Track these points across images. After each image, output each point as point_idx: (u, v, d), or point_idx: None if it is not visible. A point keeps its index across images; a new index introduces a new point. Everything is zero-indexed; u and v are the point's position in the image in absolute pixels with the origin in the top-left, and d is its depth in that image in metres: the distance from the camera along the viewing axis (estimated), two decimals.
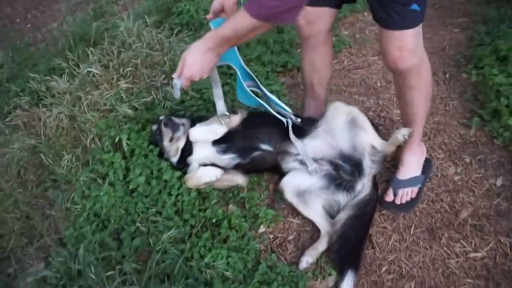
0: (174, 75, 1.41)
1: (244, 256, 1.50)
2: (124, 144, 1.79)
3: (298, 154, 1.65)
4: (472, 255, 1.49)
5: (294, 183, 1.62)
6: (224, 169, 1.70)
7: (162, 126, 1.71)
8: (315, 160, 1.64)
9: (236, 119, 1.72)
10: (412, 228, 1.60)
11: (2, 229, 1.70)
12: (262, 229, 1.65)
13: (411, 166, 1.71)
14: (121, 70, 2.12)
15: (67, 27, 3.28)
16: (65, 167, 1.84)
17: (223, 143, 1.69)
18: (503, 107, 1.89)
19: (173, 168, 1.73)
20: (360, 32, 2.87)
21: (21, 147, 1.92)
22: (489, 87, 2.04)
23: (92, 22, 2.91)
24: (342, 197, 1.61)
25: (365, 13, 3.06)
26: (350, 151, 1.63)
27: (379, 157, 1.64)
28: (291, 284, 1.42)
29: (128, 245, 1.51)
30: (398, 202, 1.66)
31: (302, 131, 1.68)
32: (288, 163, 1.67)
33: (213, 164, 1.70)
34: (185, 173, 1.72)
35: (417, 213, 1.66)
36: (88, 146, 1.89)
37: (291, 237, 1.64)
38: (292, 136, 1.64)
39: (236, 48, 1.56)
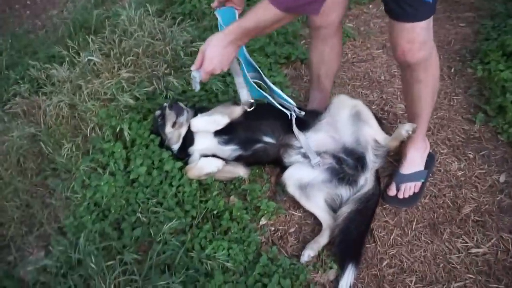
0: (193, 67, 1.40)
1: (245, 248, 1.50)
2: (125, 133, 1.77)
3: (301, 147, 1.64)
4: (473, 250, 1.49)
5: (296, 176, 1.61)
6: (226, 160, 1.68)
7: (167, 109, 1.70)
8: (318, 153, 1.62)
9: (238, 110, 1.70)
10: (414, 223, 1.60)
11: (2, 218, 1.69)
12: (263, 221, 1.65)
13: (414, 161, 1.70)
14: (122, 59, 2.09)
15: (67, 14, 3.23)
16: (65, 156, 1.82)
17: (225, 134, 1.67)
18: (508, 103, 1.87)
19: (174, 158, 1.72)
20: (365, 24, 2.84)
21: (20, 135, 1.90)
22: (495, 82, 2.02)
23: (93, 9, 2.86)
24: (344, 191, 1.60)
25: (370, 6, 3.01)
26: (353, 145, 1.62)
27: (382, 151, 1.63)
28: (292, 277, 1.41)
29: (129, 235, 1.51)
30: (400, 196, 1.66)
31: (305, 124, 1.66)
32: (291, 156, 1.66)
33: (214, 155, 1.68)
34: (186, 163, 1.71)
35: (419, 208, 1.65)
36: (88, 135, 1.87)
37: (292, 230, 1.63)
38: (295, 129, 1.63)
39: None
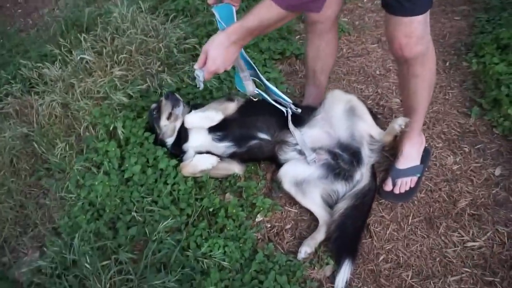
0: (196, 66, 1.40)
1: (241, 245, 1.49)
2: (119, 132, 1.75)
3: (296, 144, 1.63)
4: (469, 244, 1.49)
5: (292, 173, 1.61)
6: (220, 157, 1.67)
7: (163, 99, 1.69)
8: (314, 149, 1.62)
9: (232, 107, 1.69)
10: (410, 218, 1.60)
11: None
12: (259, 218, 1.64)
13: (410, 155, 1.70)
14: (115, 57, 2.07)
15: (59, 12, 3.18)
16: (58, 156, 1.80)
17: (220, 131, 1.66)
18: (504, 96, 1.87)
19: (169, 156, 1.71)
20: (360, 19, 2.82)
21: (13, 136, 1.88)
22: (490, 76, 2.01)
23: (85, 7, 2.82)
24: (340, 187, 1.59)
25: (365, 0, 3.00)
26: (348, 140, 1.61)
27: (378, 146, 1.63)
28: (288, 273, 1.41)
29: (124, 234, 1.50)
30: (396, 191, 1.65)
31: (300, 120, 1.65)
32: (286, 153, 1.65)
33: (209, 152, 1.67)
34: (181, 161, 1.70)
35: (415, 202, 1.65)
36: (82, 134, 1.86)
37: (288, 226, 1.63)
38: (291, 126, 1.62)
39: None
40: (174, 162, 1.68)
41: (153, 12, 2.52)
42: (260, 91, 1.60)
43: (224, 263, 1.42)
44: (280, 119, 1.64)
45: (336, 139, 1.62)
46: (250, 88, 1.59)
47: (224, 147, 1.67)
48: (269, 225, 1.63)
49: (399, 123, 1.53)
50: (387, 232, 1.56)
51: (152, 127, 1.76)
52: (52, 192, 1.74)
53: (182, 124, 1.69)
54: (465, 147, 1.83)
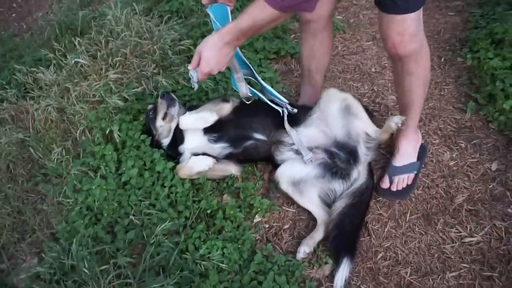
0: (190, 67, 1.40)
1: (239, 246, 1.49)
2: (116, 135, 1.75)
3: (293, 144, 1.63)
4: (467, 239, 1.49)
5: (289, 173, 1.61)
6: (216, 158, 1.67)
7: (159, 98, 1.69)
8: (310, 149, 1.62)
9: (227, 107, 1.69)
10: (408, 215, 1.60)
11: None
12: (257, 218, 1.64)
13: (406, 153, 1.70)
14: (110, 60, 2.06)
15: (53, 16, 3.17)
16: (55, 161, 1.80)
17: (215, 132, 1.66)
18: (498, 91, 1.87)
19: (166, 158, 1.71)
20: (354, 16, 2.82)
21: (9, 141, 1.87)
22: (484, 71, 2.02)
23: (79, 10, 2.82)
24: (338, 185, 1.60)
25: None
26: (344, 139, 1.61)
27: (374, 144, 1.63)
28: (287, 273, 1.41)
29: (122, 238, 1.50)
30: (394, 189, 1.66)
31: (296, 119, 1.65)
32: (283, 153, 1.65)
33: (205, 154, 1.67)
34: (177, 163, 1.70)
35: (413, 199, 1.65)
36: (78, 138, 1.85)
37: (286, 226, 1.63)
38: (287, 126, 1.62)
39: None
40: (171, 164, 1.68)
41: (147, 14, 2.51)
42: (256, 91, 1.60)
43: (223, 264, 1.42)
44: (275, 119, 1.64)
45: (333, 138, 1.62)
46: (243, 90, 1.59)
47: (220, 148, 1.67)
48: (267, 226, 1.63)
49: (395, 121, 1.53)
50: (385, 230, 1.56)
51: (148, 128, 1.76)
52: (50, 197, 1.73)
53: (178, 125, 1.69)
54: (461, 143, 1.83)
